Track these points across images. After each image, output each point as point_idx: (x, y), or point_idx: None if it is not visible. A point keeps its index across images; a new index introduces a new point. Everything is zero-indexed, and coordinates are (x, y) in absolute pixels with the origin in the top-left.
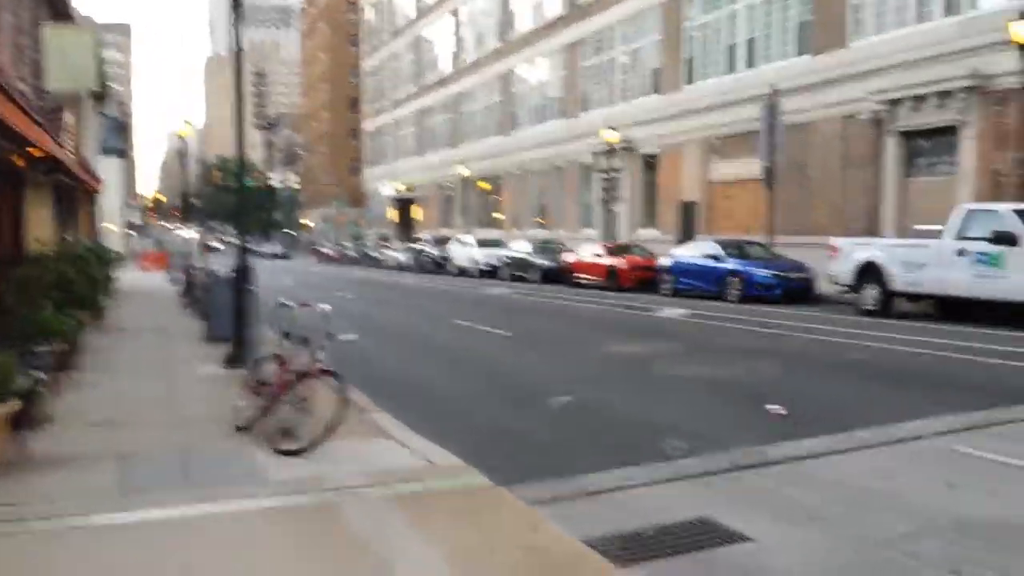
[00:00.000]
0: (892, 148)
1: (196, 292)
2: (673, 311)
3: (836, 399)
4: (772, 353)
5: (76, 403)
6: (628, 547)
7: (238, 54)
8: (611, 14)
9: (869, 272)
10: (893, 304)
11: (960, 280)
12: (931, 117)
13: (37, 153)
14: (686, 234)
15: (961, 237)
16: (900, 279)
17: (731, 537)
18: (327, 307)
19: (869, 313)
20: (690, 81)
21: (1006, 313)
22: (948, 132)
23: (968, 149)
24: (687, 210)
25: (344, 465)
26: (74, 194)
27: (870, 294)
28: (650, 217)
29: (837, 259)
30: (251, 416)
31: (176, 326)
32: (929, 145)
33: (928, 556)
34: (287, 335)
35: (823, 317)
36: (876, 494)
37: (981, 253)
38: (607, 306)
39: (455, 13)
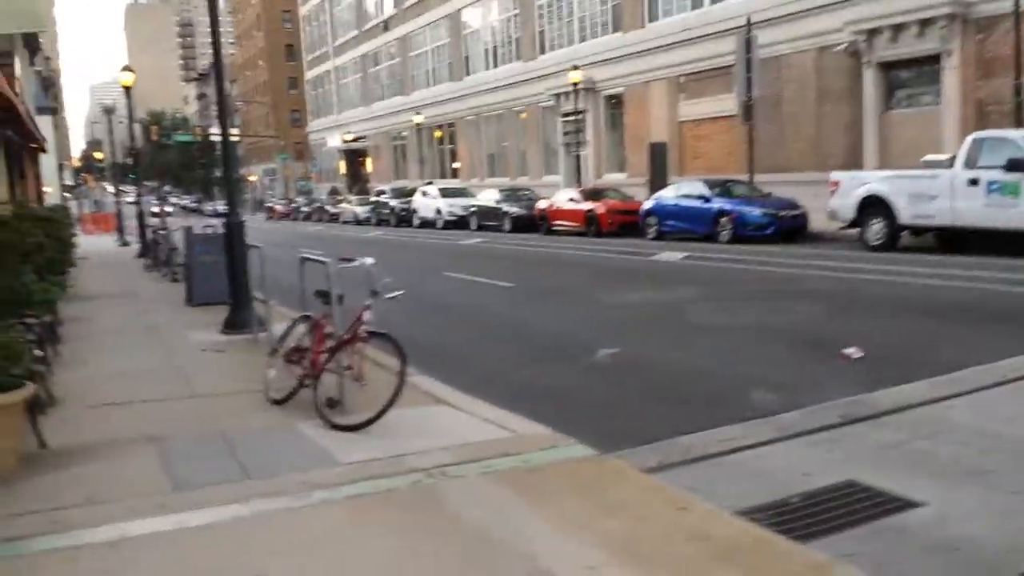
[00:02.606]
0: (871, 80)
1: (160, 254)
2: (670, 255)
3: (904, 340)
4: (802, 294)
5: (73, 381)
6: (784, 520)
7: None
8: None
9: (873, 206)
10: (899, 238)
11: (973, 210)
12: (911, 47)
13: None
14: (656, 176)
15: (971, 166)
16: (907, 212)
17: (898, 503)
18: (370, 260)
19: (874, 248)
20: (653, 18)
21: (1011, 242)
22: (929, 62)
23: (951, 79)
24: (656, 152)
25: (415, 439)
26: (22, 153)
27: (875, 228)
28: (617, 161)
29: (837, 194)
30: (288, 388)
31: (146, 291)
32: (910, 76)
33: None
34: (322, 294)
35: (829, 254)
36: None
37: (994, 182)
38: (596, 252)
39: None
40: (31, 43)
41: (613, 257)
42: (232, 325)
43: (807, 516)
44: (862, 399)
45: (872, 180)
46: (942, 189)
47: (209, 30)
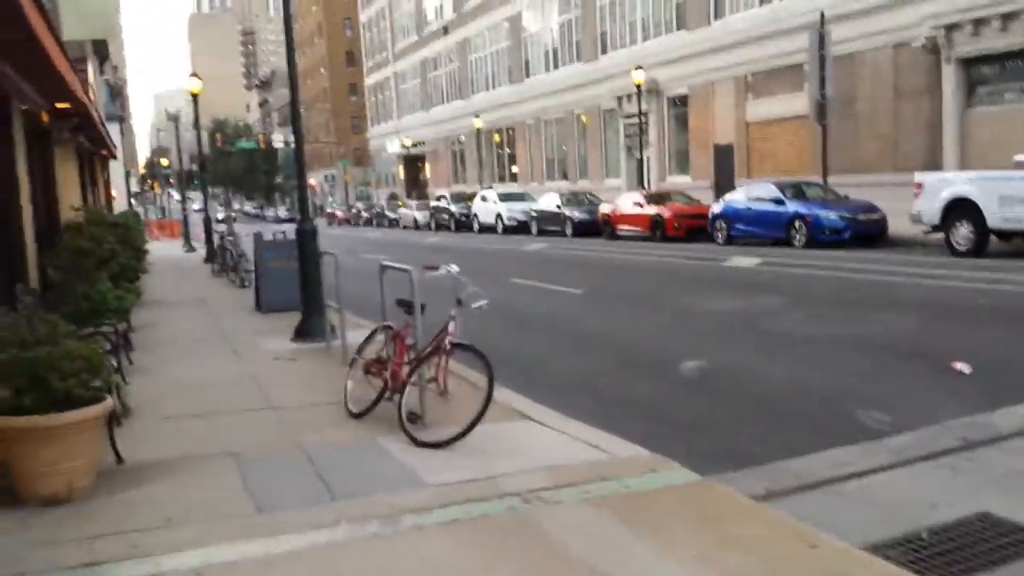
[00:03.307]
0: (951, 77)
1: (228, 260)
2: (743, 260)
3: (1017, 353)
4: (891, 303)
5: (147, 391)
6: (919, 559)
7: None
8: None
9: (960, 209)
10: (988, 243)
11: None
12: (994, 42)
13: (63, 106)
14: (722, 179)
15: None
16: (998, 215)
17: None
18: (455, 268)
19: (960, 254)
20: (719, 15)
21: None
22: (1013, 57)
23: None
24: (722, 154)
25: (504, 459)
26: (94, 158)
27: (962, 233)
28: (681, 163)
29: (922, 196)
30: (368, 400)
31: (215, 296)
32: (992, 72)
33: None
34: (404, 303)
35: (913, 260)
36: None
37: None
38: (665, 257)
39: None
40: (100, 51)
41: (683, 262)
42: (303, 333)
43: (941, 554)
44: (981, 420)
45: (959, 182)
46: None
47: (271, 39)
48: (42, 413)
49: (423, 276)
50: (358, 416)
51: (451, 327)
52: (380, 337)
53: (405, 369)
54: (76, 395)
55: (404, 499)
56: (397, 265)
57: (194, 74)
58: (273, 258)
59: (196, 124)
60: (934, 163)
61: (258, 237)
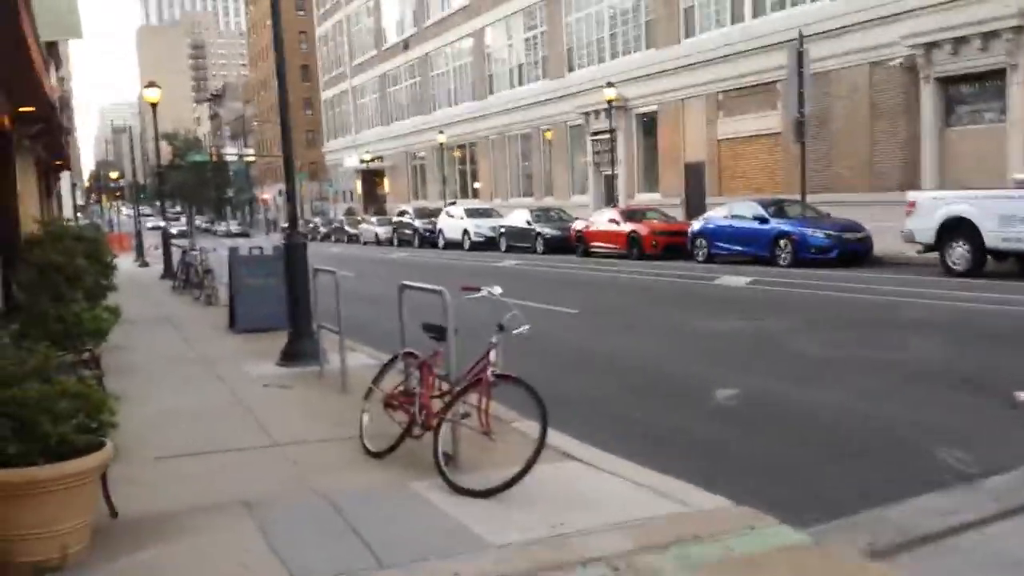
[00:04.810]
0: (929, 96)
1: (191, 276)
2: (733, 279)
3: None
4: (907, 324)
5: (129, 425)
6: None
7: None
8: None
9: (956, 228)
10: (985, 263)
11: None
12: (974, 61)
13: (26, 110)
14: (693, 196)
15: None
16: (996, 235)
17: None
18: (498, 290)
19: (957, 274)
20: (690, 34)
21: None
22: (993, 77)
23: (1018, 94)
24: (693, 171)
25: (567, 512)
26: (50, 168)
27: (959, 252)
28: (650, 180)
29: (915, 215)
30: (390, 437)
31: (182, 315)
32: (971, 91)
33: None
34: (433, 329)
35: (910, 280)
36: None
37: None
38: (648, 275)
39: None
40: (54, 56)
41: (671, 281)
42: (291, 356)
43: None
44: None
45: (955, 201)
46: None
47: (223, 52)
48: (30, 464)
49: (461, 298)
50: (378, 455)
51: (492, 356)
52: (400, 365)
53: (437, 403)
54: (69, 441)
55: (467, 567)
56: (423, 286)
57: (151, 83)
58: (250, 275)
59: (156, 135)
60: (911, 183)
61: (233, 252)
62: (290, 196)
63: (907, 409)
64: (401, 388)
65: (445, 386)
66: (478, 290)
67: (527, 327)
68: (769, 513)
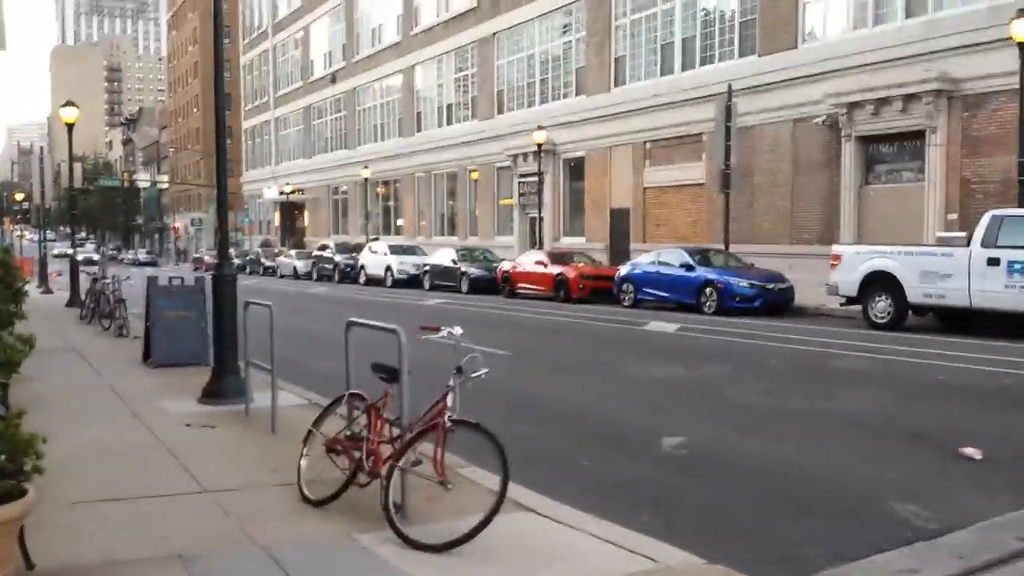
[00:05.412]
0: (850, 153)
1: (102, 305)
2: (661, 325)
3: (1011, 435)
4: (840, 375)
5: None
6: None
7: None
8: (530, 9)
9: (878, 282)
10: (907, 317)
11: (993, 291)
12: (894, 122)
13: None
14: (616, 242)
15: (989, 245)
16: (918, 290)
17: None
18: (458, 330)
19: (879, 327)
20: (620, 83)
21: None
22: (912, 137)
23: (936, 156)
24: (618, 217)
25: (529, 569)
26: None
27: (881, 306)
28: (575, 224)
29: (839, 268)
30: (332, 484)
31: (90, 346)
32: (891, 151)
33: None
34: (383, 369)
35: (835, 331)
36: None
37: (1016, 262)
38: (577, 319)
39: (348, 4)
40: None
41: (600, 325)
42: (214, 394)
43: None
44: None
45: (879, 255)
46: (958, 268)
47: (139, 76)
48: None
49: (418, 337)
50: (319, 503)
51: (449, 400)
52: (341, 410)
53: (386, 449)
54: None
55: None
56: (374, 323)
57: (69, 102)
58: (169, 307)
59: (70, 156)
60: (829, 236)
61: (152, 282)
62: (222, 227)
63: (855, 461)
64: (347, 432)
65: (395, 431)
66: (437, 330)
67: (485, 371)
68: (741, 571)
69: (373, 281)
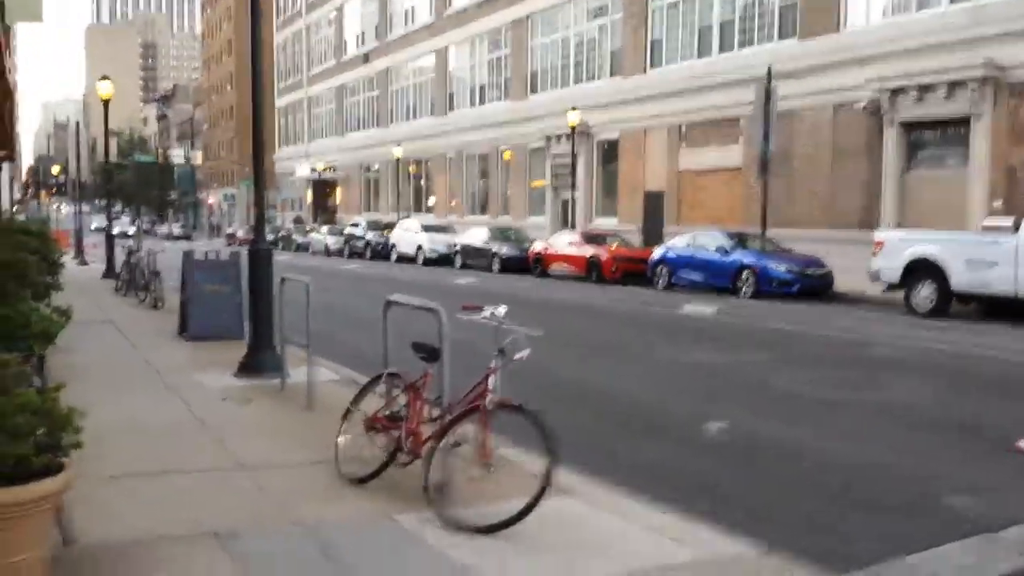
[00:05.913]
0: (892, 140)
1: (137, 277)
2: (699, 308)
3: None
4: (884, 363)
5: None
6: None
7: None
8: None
9: (922, 269)
10: (950, 305)
11: None
12: (938, 108)
13: None
14: (651, 224)
15: None
16: (962, 278)
17: None
18: (502, 310)
19: (922, 314)
20: (656, 64)
21: None
22: (956, 124)
23: (980, 143)
24: (652, 200)
25: (578, 557)
26: None
27: (924, 293)
28: (608, 206)
29: (881, 254)
30: (372, 463)
31: (126, 318)
32: (934, 137)
33: None
34: (423, 349)
35: (877, 318)
36: None
37: None
38: (610, 301)
39: None
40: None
41: (635, 307)
42: (250, 368)
43: None
44: None
45: (923, 241)
46: (1005, 256)
47: (175, 53)
48: None
49: (462, 317)
50: (358, 482)
51: (490, 382)
52: (381, 388)
53: (426, 429)
54: (26, 463)
55: None
56: (416, 302)
57: (105, 77)
58: (205, 280)
59: (106, 131)
60: (870, 222)
61: (188, 256)
62: (259, 203)
63: (906, 454)
64: (387, 412)
65: (435, 411)
66: (480, 310)
67: (527, 352)
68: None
69: (404, 259)
